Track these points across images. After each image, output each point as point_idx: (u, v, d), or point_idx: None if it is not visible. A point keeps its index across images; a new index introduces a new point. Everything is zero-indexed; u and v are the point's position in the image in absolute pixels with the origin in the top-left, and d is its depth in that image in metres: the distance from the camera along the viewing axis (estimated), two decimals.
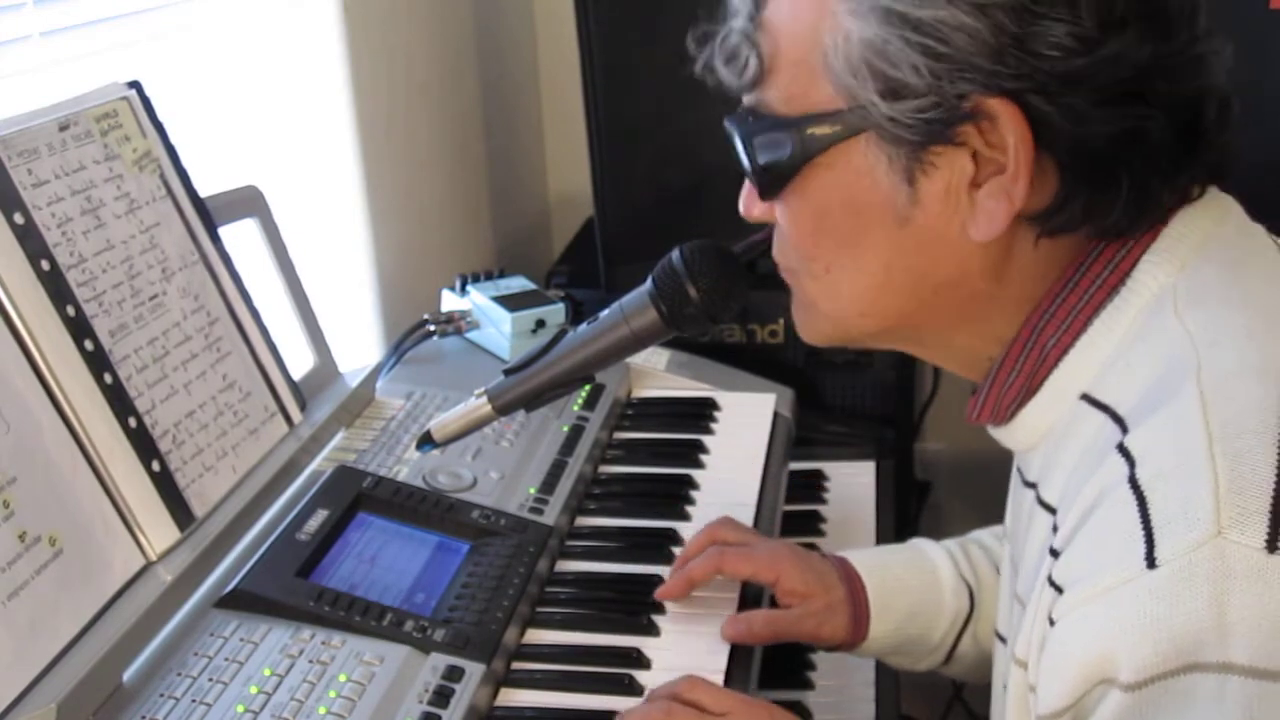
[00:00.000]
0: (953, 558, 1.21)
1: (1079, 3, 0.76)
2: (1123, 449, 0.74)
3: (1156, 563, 0.69)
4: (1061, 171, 0.81)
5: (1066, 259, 0.85)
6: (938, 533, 1.28)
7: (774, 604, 1.19)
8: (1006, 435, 0.92)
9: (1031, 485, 0.89)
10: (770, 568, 1.17)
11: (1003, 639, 0.98)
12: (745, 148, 0.88)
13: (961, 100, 0.78)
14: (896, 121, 0.80)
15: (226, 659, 1.00)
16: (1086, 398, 0.83)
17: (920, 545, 1.24)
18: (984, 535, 1.25)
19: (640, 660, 1.11)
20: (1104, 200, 0.81)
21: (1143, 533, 0.70)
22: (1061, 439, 0.85)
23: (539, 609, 1.18)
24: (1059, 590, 0.74)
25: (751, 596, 1.21)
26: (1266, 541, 0.67)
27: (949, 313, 0.89)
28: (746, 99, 0.89)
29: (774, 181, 0.88)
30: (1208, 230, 0.84)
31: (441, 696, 1.00)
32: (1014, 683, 0.84)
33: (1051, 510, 0.84)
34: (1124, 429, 0.77)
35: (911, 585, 1.19)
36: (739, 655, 1.14)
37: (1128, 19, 0.77)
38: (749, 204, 0.94)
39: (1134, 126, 0.79)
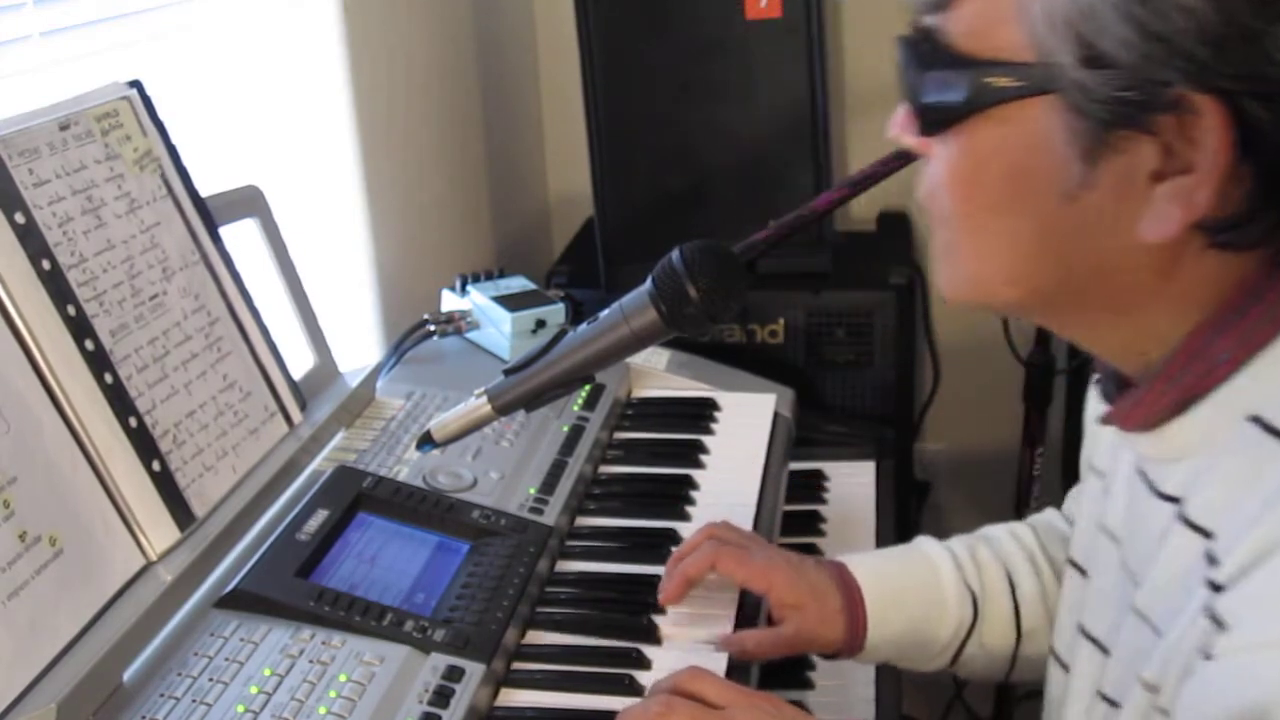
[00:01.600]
0: (957, 564, 1.18)
1: None
2: None
3: None
4: (1255, 185, 0.72)
5: (1253, 265, 0.77)
6: (938, 533, 1.27)
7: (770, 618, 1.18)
8: (1147, 442, 0.85)
9: (1169, 498, 0.83)
10: (763, 576, 1.15)
11: (1102, 647, 0.93)
12: (913, 77, 0.80)
13: (1165, 87, 0.70)
14: (1088, 93, 0.72)
15: (226, 659, 1.00)
16: (1258, 421, 0.76)
17: (924, 549, 1.20)
18: (998, 534, 1.21)
19: (640, 660, 1.11)
20: None
21: None
22: (1220, 457, 0.78)
23: (539, 609, 1.18)
24: (1220, 625, 0.70)
25: (751, 600, 1.21)
26: None
27: (1102, 300, 0.81)
28: (925, 18, 0.80)
29: (936, 121, 0.80)
30: None
31: (441, 696, 1.00)
32: (1136, 703, 0.80)
33: (1203, 533, 0.77)
34: None
35: (911, 596, 1.16)
36: None
37: None
38: (900, 129, 0.85)
39: None
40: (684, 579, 1.17)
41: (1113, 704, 0.87)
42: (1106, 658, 0.91)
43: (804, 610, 1.14)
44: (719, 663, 1.11)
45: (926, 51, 0.80)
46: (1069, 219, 0.77)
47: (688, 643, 1.14)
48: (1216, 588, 0.72)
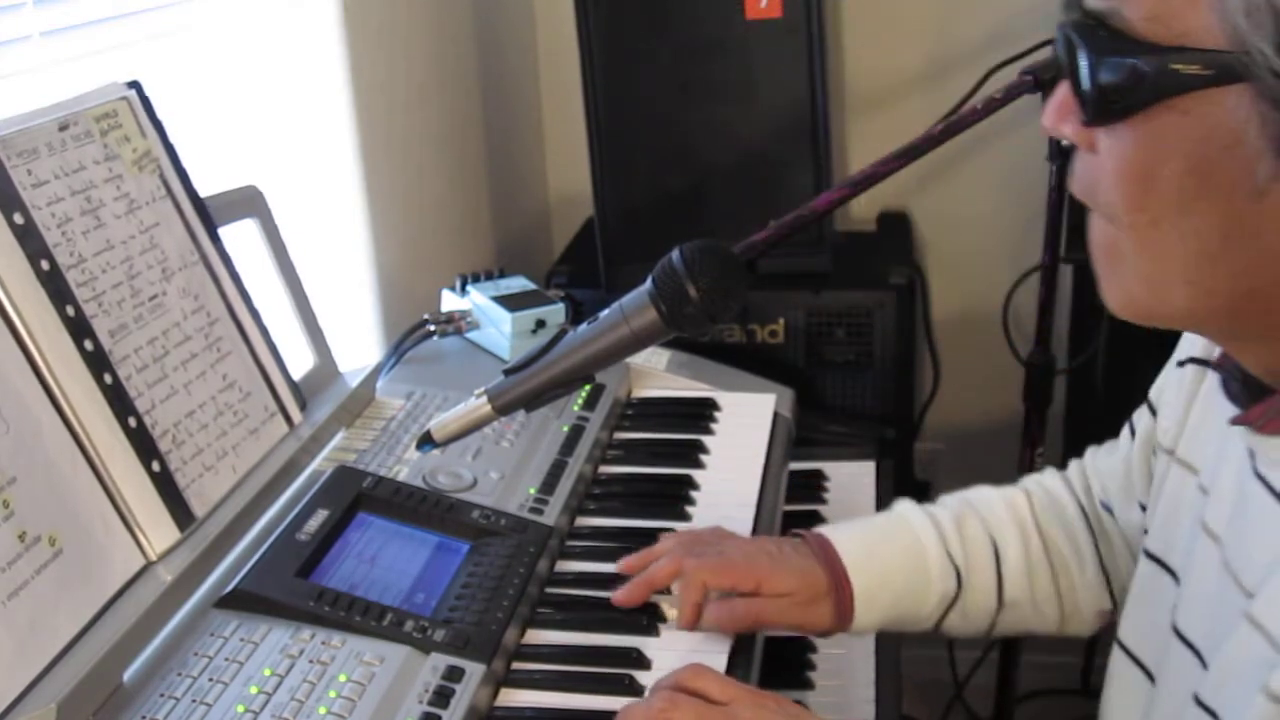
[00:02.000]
0: (941, 535, 1.18)
1: None
2: None
3: None
4: None
5: None
6: None
7: None
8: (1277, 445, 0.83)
9: None
10: (748, 577, 1.14)
11: (1198, 652, 0.91)
12: (1085, 62, 0.76)
13: None
14: None
15: (226, 659, 1.00)
16: None
17: (909, 520, 1.20)
18: (990, 499, 1.22)
19: (640, 660, 1.11)
20: None
21: None
22: None
23: (539, 609, 1.18)
24: None
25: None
26: None
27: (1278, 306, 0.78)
28: (1096, 2, 0.77)
29: (1110, 111, 0.76)
30: None
31: (441, 696, 1.00)
32: (1259, 714, 0.77)
33: None
34: None
35: (897, 576, 1.17)
36: (739, 656, 1.14)
37: None
38: (1059, 118, 0.81)
39: None
40: (648, 585, 1.16)
41: (1213, 715, 0.85)
42: (1204, 664, 0.89)
43: (793, 597, 1.14)
44: (719, 661, 1.11)
45: (1102, 37, 0.76)
46: (1256, 216, 0.74)
47: (688, 641, 1.14)
48: None
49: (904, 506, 1.23)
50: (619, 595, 1.16)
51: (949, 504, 1.23)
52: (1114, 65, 0.75)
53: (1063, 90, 0.81)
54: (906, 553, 1.18)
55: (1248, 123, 0.72)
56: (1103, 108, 0.76)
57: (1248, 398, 0.86)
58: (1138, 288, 0.81)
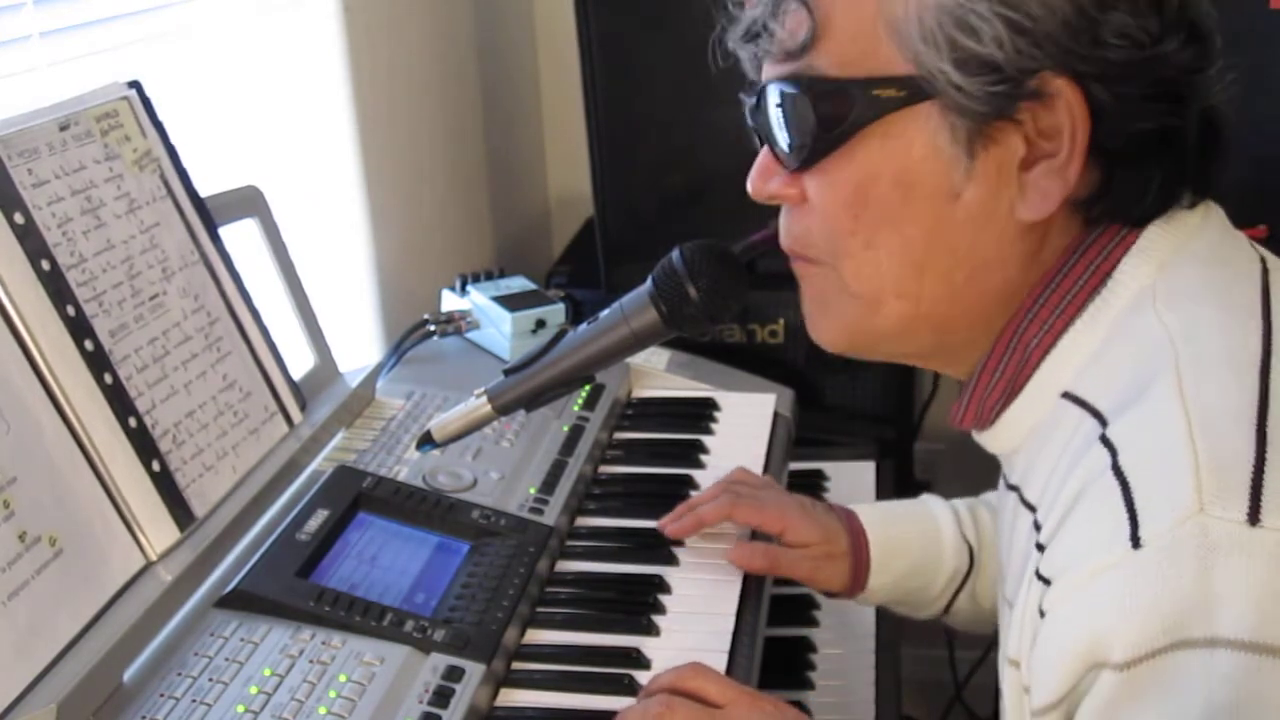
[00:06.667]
0: (957, 517, 1.26)
1: (1139, 1, 0.80)
2: (1105, 440, 0.76)
3: (1141, 543, 0.70)
4: (1105, 160, 0.82)
5: (1050, 259, 0.86)
6: None
7: None
8: (990, 439, 0.93)
9: (1014, 488, 0.90)
10: (778, 519, 1.23)
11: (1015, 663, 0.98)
12: (792, 111, 0.86)
13: (1029, 76, 0.79)
14: (964, 92, 0.80)
15: (226, 659, 1.00)
16: (1068, 395, 0.84)
17: (928, 503, 1.29)
18: (995, 497, 1.28)
19: (640, 660, 1.11)
20: (1140, 189, 0.83)
21: (1127, 516, 0.71)
22: (1044, 439, 0.85)
23: (539, 609, 1.18)
24: (1047, 583, 0.75)
25: (753, 590, 1.22)
26: (1248, 515, 0.68)
27: (975, 306, 0.88)
28: (788, 66, 0.86)
29: (819, 148, 0.85)
30: (1189, 231, 0.85)
31: (441, 697, 1.00)
32: (1007, 684, 0.84)
33: (1031, 508, 0.85)
34: (1104, 422, 0.78)
35: (913, 544, 1.24)
36: (739, 656, 1.14)
37: (1172, 27, 0.81)
38: (765, 178, 0.91)
39: (1173, 124, 0.82)
40: (697, 521, 1.24)
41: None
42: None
43: (813, 549, 1.23)
44: (719, 662, 1.11)
45: (807, 84, 0.84)
46: (955, 216, 0.84)
47: (688, 641, 1.14)
48: (1040, 549, 0.78)
49: (926, 495, 1.31)
50: (672, 527, 1.25)
51: (965, 499, 1.29)
52: (821, 106, 0.84)
53: (762, 155, 0.90)
54: (923, 528, 1.25)
55: (939, 132, 0.82)
56: (812, 148, 0.85)
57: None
58: (853, 314, 0.89)
